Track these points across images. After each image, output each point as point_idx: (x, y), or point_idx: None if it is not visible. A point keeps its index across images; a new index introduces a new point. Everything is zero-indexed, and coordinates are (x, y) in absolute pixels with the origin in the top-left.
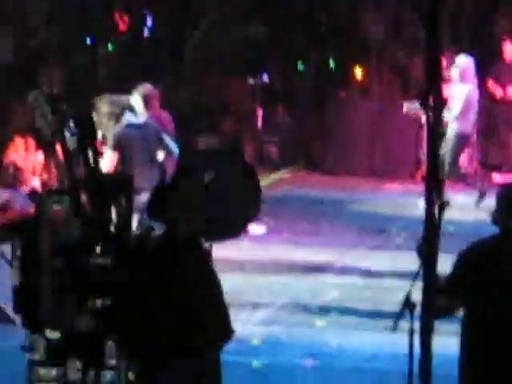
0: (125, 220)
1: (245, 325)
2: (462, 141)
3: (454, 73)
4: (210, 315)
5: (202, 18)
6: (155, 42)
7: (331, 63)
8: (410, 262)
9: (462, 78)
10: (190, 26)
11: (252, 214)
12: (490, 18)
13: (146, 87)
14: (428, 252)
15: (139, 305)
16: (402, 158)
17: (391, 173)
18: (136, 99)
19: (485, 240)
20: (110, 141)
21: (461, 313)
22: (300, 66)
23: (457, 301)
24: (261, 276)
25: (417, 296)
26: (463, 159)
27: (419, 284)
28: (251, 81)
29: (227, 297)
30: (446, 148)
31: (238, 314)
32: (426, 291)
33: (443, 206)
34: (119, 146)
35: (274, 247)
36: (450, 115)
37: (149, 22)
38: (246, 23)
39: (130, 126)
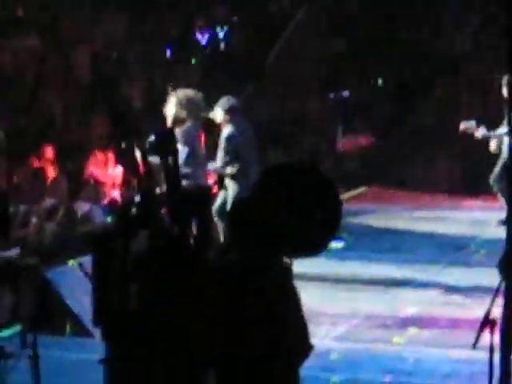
0: (205, 233)
1: (323, 340)
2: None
3: (504, 91)
4: (289, 331)
5: (279, 34)
6: (235, 56)
7: (409, 77)
8: (490, 278)
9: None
10: (268, 41)
11: (333, 230)
12: None
13: (230, 100)
14: (510, 268)
15: (215, 321)
16: (481, 173)
17: (471, 189)
18: (218, 111)
19: None
20: (182, 137)
21: None
22: (379, 81)
23: None
24: (339, 291)
25: (497, 313)
26: None
27: (500, 301)
28: (331, 95)
29: (306, 312)
30: (500, 162)
31: (316, 329)
32: (507, 308)
33: None
34: (189, 140)
35: (352, 263)
36: (504, 130)
37: (226, 36)
38: (324, 38)
39: (192, 124)
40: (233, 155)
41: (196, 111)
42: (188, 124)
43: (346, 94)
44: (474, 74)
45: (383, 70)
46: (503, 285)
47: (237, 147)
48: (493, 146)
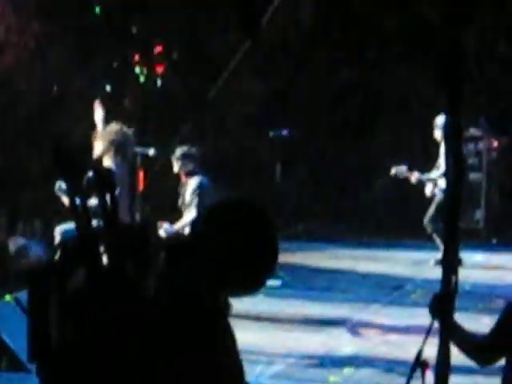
0: (142, 274)
1: (258, 378)
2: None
3: (437, 134)
4: (226, 371)
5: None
6: (173, 93)
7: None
8: (426, 318)
9: None
10: (208, 78)
11: (270, 269)
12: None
13: (185, 149)
14: (443, 310)
15: (155, 369)
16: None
17: (406, 229)
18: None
19: None
20: None
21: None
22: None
23: (499, 354)
24: (275, 330)
25: (431, 352)
26: (479, 215)
27: (433, 341)
28: (270, 134)
29: (241, 349)
30: (434, 204)
31: (252, 368)
32: (441, 348)
33: (458, 263)
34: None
35: (289, 301)
36: (438, 173)
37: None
38: (262, 77)
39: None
40: (203, 204)
41: (124, 148)
42: (115, 161)
43: (284, 132)
44: (416, 113)
45: (324, 108)
46: (435, 324)
47: (205, 195)
48: (428, 190)
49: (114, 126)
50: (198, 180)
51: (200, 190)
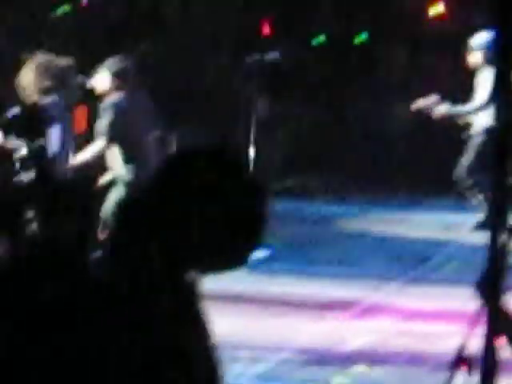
0: (81, 239)
1: (239, 379)
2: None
3: (473, 58)
4: (192, 369)
5: None
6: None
7: (362, 37)
8: (463, 300)
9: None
10: None
11: (256, 237)
12: None
13: (122, 61)
14: (491, 289)
15: (93, 352)
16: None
17: (433, 183)
18: (103, 75)
19: None
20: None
21: None
22: (320, 39)
23: None
24: (264, 316)
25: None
26: None
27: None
28: (248, 59)
29: (218, 342)
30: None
31: (231, 366)
32: (488, 339)
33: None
34: (59, 115)
35: (282, 279)
36: (474, 106)
37: None
38: None
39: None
40: (118, 128)
41: (64, 79)
42: (55, 96)
43: (274, 55)
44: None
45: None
46: (484, 310)
47: (124, 120)
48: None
49: (53, 56)
50: (117, 97)
51: (115, 110)
